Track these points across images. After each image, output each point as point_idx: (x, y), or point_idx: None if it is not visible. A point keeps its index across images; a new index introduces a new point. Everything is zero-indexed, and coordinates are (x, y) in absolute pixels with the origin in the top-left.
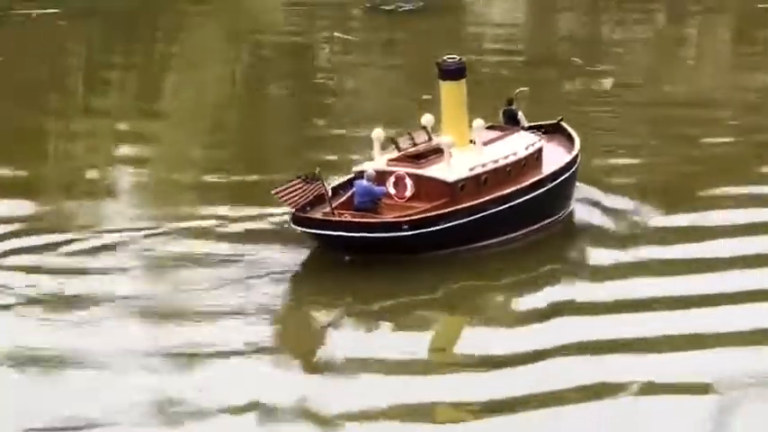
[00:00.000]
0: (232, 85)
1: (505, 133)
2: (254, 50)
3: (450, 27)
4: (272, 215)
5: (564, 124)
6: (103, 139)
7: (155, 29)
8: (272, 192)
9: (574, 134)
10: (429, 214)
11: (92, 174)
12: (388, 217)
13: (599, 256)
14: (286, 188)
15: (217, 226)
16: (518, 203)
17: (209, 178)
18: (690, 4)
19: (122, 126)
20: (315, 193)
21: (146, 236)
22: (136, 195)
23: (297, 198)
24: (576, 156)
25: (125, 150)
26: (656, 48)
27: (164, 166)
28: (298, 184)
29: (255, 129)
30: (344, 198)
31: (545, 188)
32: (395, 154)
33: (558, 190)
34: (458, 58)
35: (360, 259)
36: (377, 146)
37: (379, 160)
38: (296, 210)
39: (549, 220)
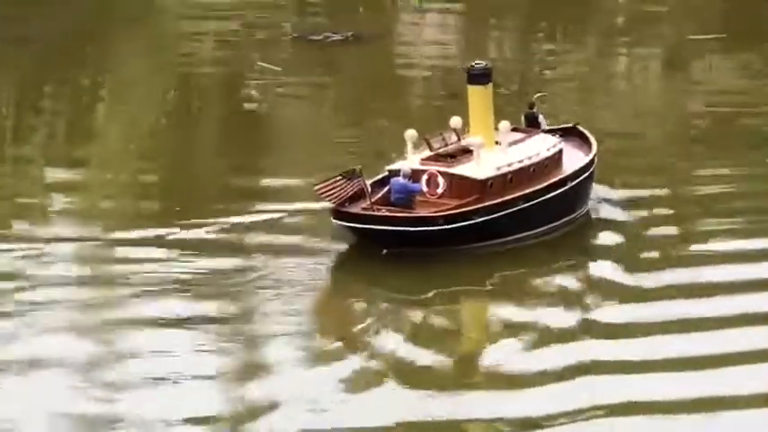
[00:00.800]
0: (161, 115)
1: (528, 135)
2: (183, 80)
3: (379, 57)
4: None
5: (580, 127)
6: (33, 166)
7: (84, 58)
8: (314, 188)
9: (590, 137)
10: (462, 210)
11: (21, 198)
12: (424, 212)
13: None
14: (327, 185)
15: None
16: (542, 201)
17: (141, 204)
18: (621, 34)
19: (52, 153)
20: (355, 189)
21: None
22: (66, 219)
23: (337, 194)
24: (594, 157)
25: (56, 176)
26: (584, 80)
27: (93, 193)
28: (338, 181)
29: (184, 158)
30: (380, 194)
31: (567, 186)
32: (427, 153)
33: (578, 189)
34: (484, 63)
35: (396, 252)
36: (410, 145)
37: (412, 159)
38: (336, 205)
39: (570, 217)
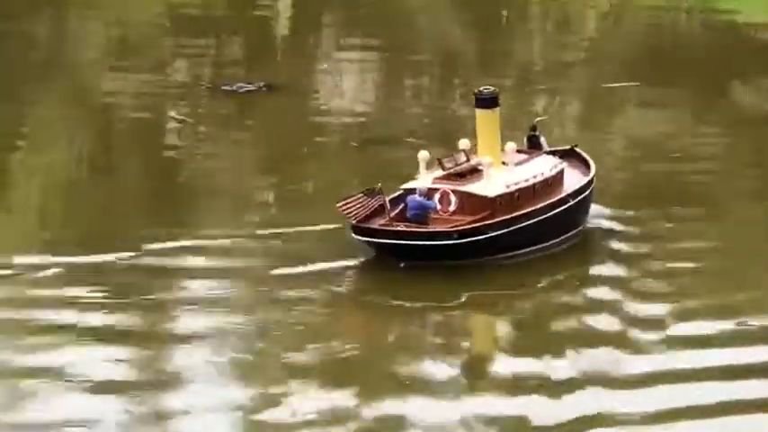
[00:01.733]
0: (78, 166)
1: (532, 156)
2: (99, 129)
3: (292, 107)
4: None
5: (578, 149)
6: None
7: None
8: (337, 205)
9: (588, 159)
10: (476, 225)
11: None
12: (440, 227)
13: None
14: (348, 202)
15: None
16: (548, 217)
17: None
18: (538, 82)
19: None
20: (375, 206)
21: None
22: None
23: (358, 211)
24: (593, 177)
25: None
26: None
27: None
28: (359, 198)
29: (101, 208)
30: (396, 211)
31: (570, 204)
32: (439, 173)
33: (580, 206)
34: (492, 88)
35: (413, 265)
36: (423, 165)
37: (424, 178)
38: (357, 221)
39: (572, 233)
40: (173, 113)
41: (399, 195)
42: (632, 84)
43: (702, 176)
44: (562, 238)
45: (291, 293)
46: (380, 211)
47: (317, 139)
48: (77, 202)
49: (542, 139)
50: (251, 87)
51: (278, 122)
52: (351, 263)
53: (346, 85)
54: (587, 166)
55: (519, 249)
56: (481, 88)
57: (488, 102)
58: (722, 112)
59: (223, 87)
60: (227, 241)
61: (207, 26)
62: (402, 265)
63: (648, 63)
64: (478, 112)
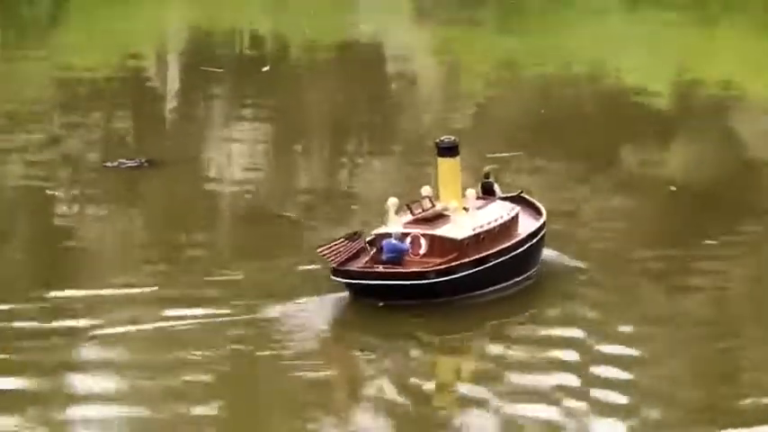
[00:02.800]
0: None
1: (488, 201)
2: None
3: (176, 183)
4: None
5: (525, 195)
6: None
7: None
8: (318, 250)
9: (537, 203)
10: (450, 264)
11: None
12: (418, 268)
13: None
14: (329, 247)
15: None
16: (512, 257)
17: None
18: (424, 152)
19: None
20: (356, 249)
21: None
22: None
23: (338, 254)
24: (545, 220)
25: None
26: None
27: None
28: (342, 242)
29: None
30: (369, 255)
31: (529, 244)
32: (408, 218)
33: (536, 247)
34: (453, 138)
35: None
36: (392, 211)
37: (394, 223)
38: (337, 265)
39: (529, 273)
40: (57, 192)
41: (372, 240)
42: (514, 153)
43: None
44: (523, 277)
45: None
46: (355, 255)
47: (197, 216)
48: None
49: (496, 186)
50: (132, 163)
51: (157, 198)
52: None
53: (237, 158)
54: (536, 209)
55: (485, 288)
56: (443, 138)
57: (450, 150)
58: (609, 176)
59: (105, 164)
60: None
61: (96, 99)
62: (381, 304)
63: (535, 131)
64: (440, 160)
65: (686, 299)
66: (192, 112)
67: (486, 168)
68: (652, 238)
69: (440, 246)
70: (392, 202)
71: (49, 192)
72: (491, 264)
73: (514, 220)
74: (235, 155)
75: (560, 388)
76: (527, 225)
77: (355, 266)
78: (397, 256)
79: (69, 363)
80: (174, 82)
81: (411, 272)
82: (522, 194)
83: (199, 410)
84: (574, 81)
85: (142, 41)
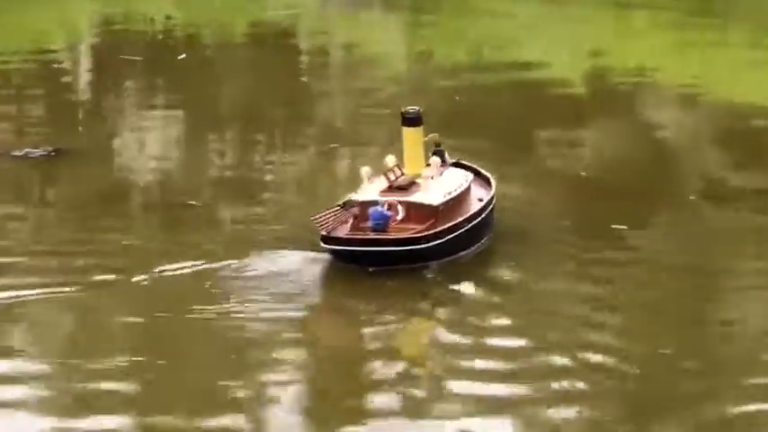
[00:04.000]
0: None
1: (445, 169)
2: None
3: (89, 172)
4: None
5: (463, 162)
6: None
7: None
8: (312, 218)
9: (479, 169)
10: (437, 230)
11: None
12: (411, 233)
13: None
14: (324, 214)
15: None
16: (479, 222)
17: None
18: (339, 140)
19: None
20: (347, 218)
21: None
22: None
23: (329, 222)
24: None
25: None
26: (305, 184)
27: None
28: (336, 210)
29: None
30: (351, 222)
31: (491, 208)
32: (383, 186)
33: (492, 212)
34: (417, 108)
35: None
36: (366, 180)
37: (369, 192)
38: (327, 232)
39: (488, 237)
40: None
41: (355, 207)
42: (427, 138)
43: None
44: (483, 241)
45: None
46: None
47: (111, 206)
48: None
49: (446, 154)
50: (39, 152)
51: (61, 188)
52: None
53: (152, 147)
54: (479, 175)
55: (458, 253)
56: (407, 108)
57: (414, 120)
58: (520, 162)
59: (12, 153)
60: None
61: (5, 88)
62: (371, 270)
63: (450, 117)
64: (405, 129)
65: (592, 283)
66: (104, 101)
67: (435, 136)
68: (560, 222)
69: (416, 212)
70: (365, 170)
71: None
72: (466, 228)
73: (471, 186)
74: (146, 144)
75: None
76: (479, 191)
77: (343, 234)
78: (383, 224)
79: None
80: (87, 71)
81: (405, 238)
82: (460, 162)
83: None
84: (487, 68)
85: (55, 31)
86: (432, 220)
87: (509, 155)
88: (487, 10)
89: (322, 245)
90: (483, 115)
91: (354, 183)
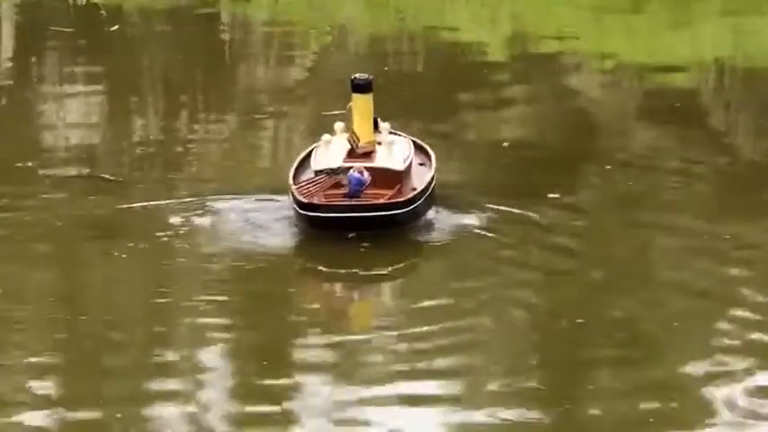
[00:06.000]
0: None
1: (390, 135)
2: None
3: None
4: None
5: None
6: None
7: None
8: (294, 186)
9: (406, 136)
10: (413, 195)
11: None
12: (394, 199)
13: None
14: (310, 181)
15: None
16: (432, 188)
17: None
18: (262, 110)
19: None
20: (331, 184)
21: None
22: None
23: (313, 190)
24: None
25: None
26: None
27: None
28: (322, 177)
29: None
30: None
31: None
32: (345, 153)
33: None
34: (366, 75)
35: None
36: (339, 133)
37: (334, 158)
38: (306, 200)
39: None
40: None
41: (330, 171)
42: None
43: None
44: (429, 210)
45: None
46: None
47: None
48: None
49: (379, 120)
50: None
51: None
52: None
53: (75, 108)
54: (411, 141)
55: (419, 219)
56: (357, 75)
57: (363, 87)
58: (445, 132)
59: None
60: None
61: None
62: (350, 235)
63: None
64: (355, 96)
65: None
66: (26, 71)
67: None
68: (484, 190)
69: (382, 177)
70: (339, 126)
71: None
72: (428, 194)
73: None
74: (65, 112)
75: None
76: (418, 156)
77: (323, 200)
78: (360, 189)
79: None
80: (10, 40)
81: (397, 201)
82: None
83: None
84: (412, 36)
85: None
86: (398, 186)
87: (433, 122)
88: None
89: (299, 211)
90: (406, 84)
91: (291, 152)
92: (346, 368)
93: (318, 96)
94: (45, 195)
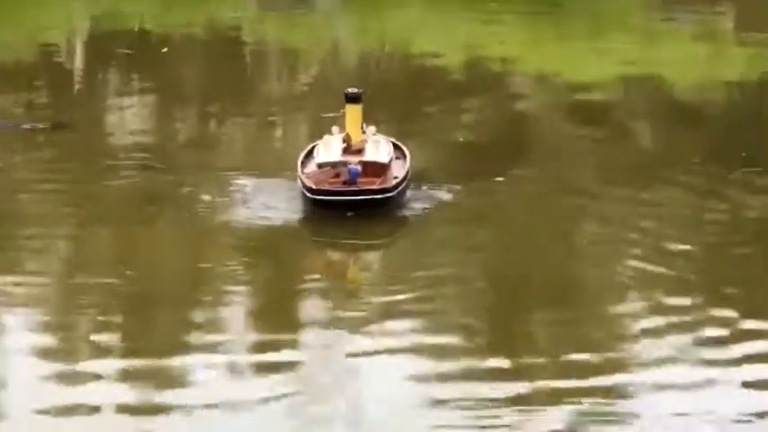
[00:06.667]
0: None
1: (372, 136)
2: None
3: (80, 139)
4: None
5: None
6: None
7: None
8: (303, 174)
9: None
10: (399, 182)
11: None
12: (383, 185)
13: None
14: (316, 172)
15: None
16: (409, 175)
17: None
18: (275, 113)
19: None
20: (333, 174)
21: None
22: None
23: (321, 179)
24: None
25: None
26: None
27: None
28: (326, 169)
29: None
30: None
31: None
32: (340, 149)
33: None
34: (357, 89)
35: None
36: (336, 136)
37: (333, 153)
38: (316, 186)
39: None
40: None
41: (332, 164)
42: (338, 114)
43: None
44: (407, 191)
45: None
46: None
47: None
48: None
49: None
50: (43, 125)
51: (65, 158)
52: None
53: (125, 123)
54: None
55: (399, 200)
56: (349, 89)
57: (355, 98)
58: (412, 130)
59: (23, 126)
60: None
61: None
62: (350, 214)
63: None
64: (348, 106)
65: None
66: (93, 86)
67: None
68: (445, 175)
69: (372, 168)
70: (335, 129)
71: None
72: (406, 180)
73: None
74: (126, 116)
75: None
76: (397, 153)
77: (327, 186)
78: (356, 178)
79: None
80: (82, 62)
81: (384, 187)
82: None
83: None
84: (387, 57)
85: (52, 29)
86: (384, 175)
87: (406, 124)
88: (386, 12)
89: (307, 195)
90: (386, 94)
91: (298, 147)
92: (348, 321)
93: (318, 102)
94: (111, 182)
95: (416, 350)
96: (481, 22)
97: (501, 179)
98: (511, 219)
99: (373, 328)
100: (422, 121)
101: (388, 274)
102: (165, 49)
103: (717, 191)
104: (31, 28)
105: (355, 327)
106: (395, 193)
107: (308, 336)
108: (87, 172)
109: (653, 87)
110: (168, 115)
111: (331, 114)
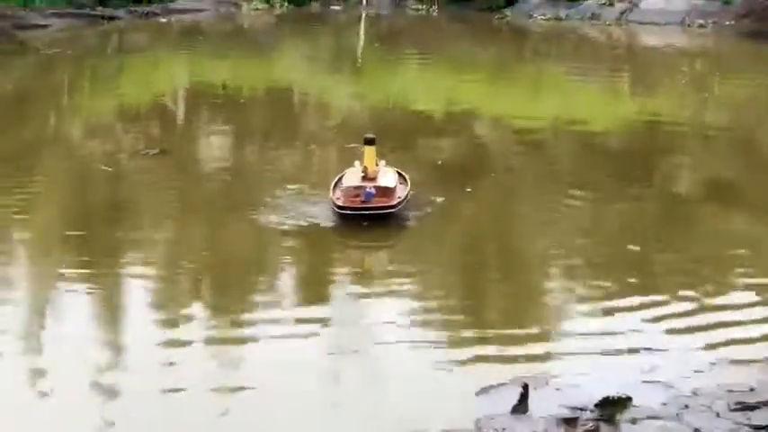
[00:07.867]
0: None
1: (383, 168)
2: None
3: (180, 162)
4: None
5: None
6: None
7: None
8: (335, 196)
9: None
10: (401, 200)
11: None
12: (390, 203)
13: None
14: (342, 194)
15: None
16: (409, 196)
17: None
18: (314, 140)
19: None
20: (354, 195)
21: None
22: None
23: (344, 198)
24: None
25: None
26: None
27: None
28: (351, 189)
29: None
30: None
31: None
32: (359, 177)
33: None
34: (372, 134)
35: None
36: (358, 168)
37: (354, 180)
38: (341, 203)
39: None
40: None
41: (355, 188)
42: (354, 145)
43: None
44: (407, 207)
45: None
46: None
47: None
48: None
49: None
50: (154, 151)
51: (169, 172)
52: None
53: (210, 153)
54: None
55: (401, 214)
56: (367, 134)
57: (371, 141)
58: (402, 157)
59: (143, 152)
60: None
61: (138, 116)
62: (365, 223)
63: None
64: (366, 147)
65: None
66: (189, 124)
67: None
68: (429, 189)
69: (382, 192)
70: (357, 163)
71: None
72: (407, 200)
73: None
74: (213, 148)
75: None
76: (400, 179)
77: (351, 203)
78: (371, 198)
79: None
80: (183, 108)
81: (390, 204)
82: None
83: None
84: (390, 107)
85: (162, 85)
86: (390, 196)
87: (403, 152)
88: (390, 75)
89: (336, 210)
90: (391, 131)
91: (330, 169)
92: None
93: (343, 137)
94: (200, 188)
95: (423, 321)
96: (457, 82)
97: (469, 189)
98: (481, 215)
99: (385, 301)
100: (413, 151)
101: (395, 262)
102: (242, 101)
103: (617, 200)
104: (147, 84)
105: (373, 298)
106: (398, 208)
107: (335, 306)
108: (185, 181)
109: (573, 126)
110: (240, 146)
111: (352, 145)
